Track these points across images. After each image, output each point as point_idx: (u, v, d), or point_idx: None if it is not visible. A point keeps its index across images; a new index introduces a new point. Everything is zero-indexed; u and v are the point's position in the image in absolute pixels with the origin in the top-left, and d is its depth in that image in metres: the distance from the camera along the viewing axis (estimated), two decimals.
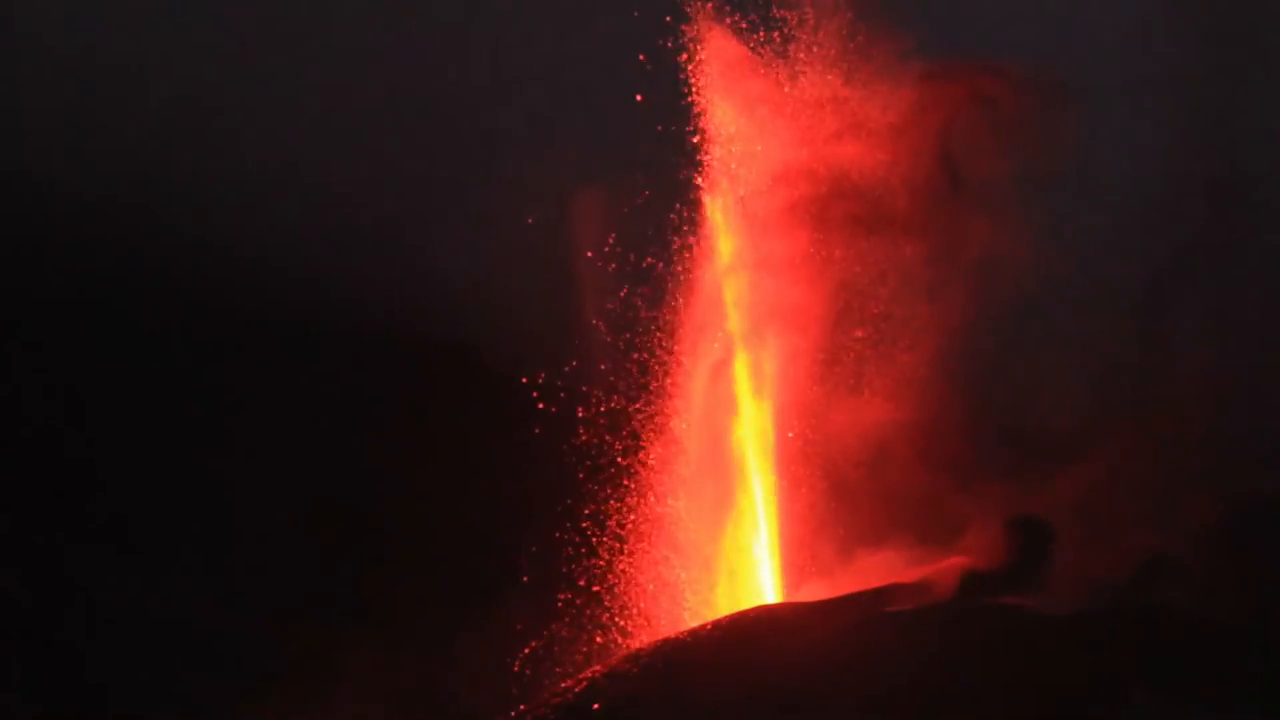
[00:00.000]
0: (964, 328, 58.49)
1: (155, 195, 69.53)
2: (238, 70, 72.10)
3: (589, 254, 58.87)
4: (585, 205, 59.03)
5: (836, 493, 58.01)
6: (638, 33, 58.19)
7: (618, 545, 58.48)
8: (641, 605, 58.13)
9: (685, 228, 58.63)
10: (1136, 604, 51.98)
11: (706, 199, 58.65)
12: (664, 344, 58.66)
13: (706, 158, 58.71)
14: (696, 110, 58.62)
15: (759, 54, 59.05)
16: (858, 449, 58.09)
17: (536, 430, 59.65)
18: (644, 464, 58.65)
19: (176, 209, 69.39)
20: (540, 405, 59.75)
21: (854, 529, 57.62)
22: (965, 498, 56.91)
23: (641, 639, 56.22)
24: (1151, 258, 62.65)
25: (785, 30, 59.21)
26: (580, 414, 59.15)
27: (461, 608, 59.57)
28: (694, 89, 58.66)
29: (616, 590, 58.31)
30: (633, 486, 58.61)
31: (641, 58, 58.31)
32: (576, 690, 50.73)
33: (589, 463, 58.88)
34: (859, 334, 58.99)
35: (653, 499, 58.44)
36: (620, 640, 57.45)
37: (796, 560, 57.61)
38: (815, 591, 55.13)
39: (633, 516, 58.52)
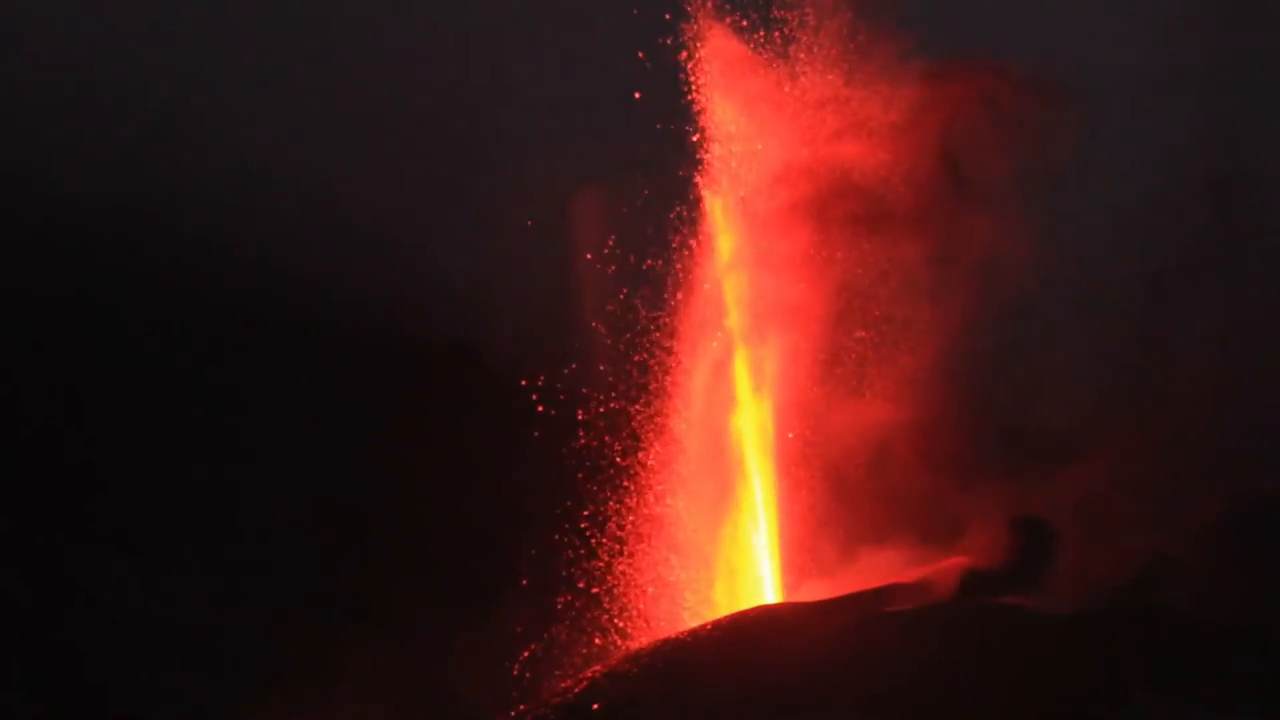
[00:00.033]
0: (966, 328, 58.49)
1: (155, 196, 69.53)
2: (238, 72, 72.12)
3: (588, 256, 58.87)
4: (584, 206, 59.00)
5: (837, 492, 57.96)
6: (637, 31, 58.19)
7: (617, 547, 58.44)
8: (641, 607, 58.10)
9: (685, 228, 58.63)
10: (1137, 604, 51.98)
11: (707, 198, 58.60)
12: (664, 344, 58.64)
13: (706, 156, 58.67)
14: (696, 109, 58.65)
15: (759, 53, 59.02)
16: (859, 449, 58.05)
17: (536, 434, 59.59)
18: (644, 465, 58.60)
19: (176, 210, 69.40)
20: (540, 408, 59.70)
21: (855, 529, 57.57)
22: (966, 497, 56.89)
23: (641, 640, 56.14)
24: (1153, 258, 62.64)
25: (786, 31, 59.21)
26: (580, 416, 59.11)
27: (461, 609, 59.56)
28: (694, 87, 58.63)
29: (616, 592, 58.27)
30: (632, 487, 58.56)
31: (640, 55, 58.33)
32: (576, 690, 50.72)
33: (588, 464, 58.85)
34: (860, 335, 58.96)
35: (652, 499, 58.41)
36: (620, 642, 57.41)
37: (797, 560, 57.56)
38: (815, 591, 55.10)
39: (632, 518, 58.49)
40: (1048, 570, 54.81)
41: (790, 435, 58.07)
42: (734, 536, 57.86)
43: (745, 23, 58.87)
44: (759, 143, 58.72)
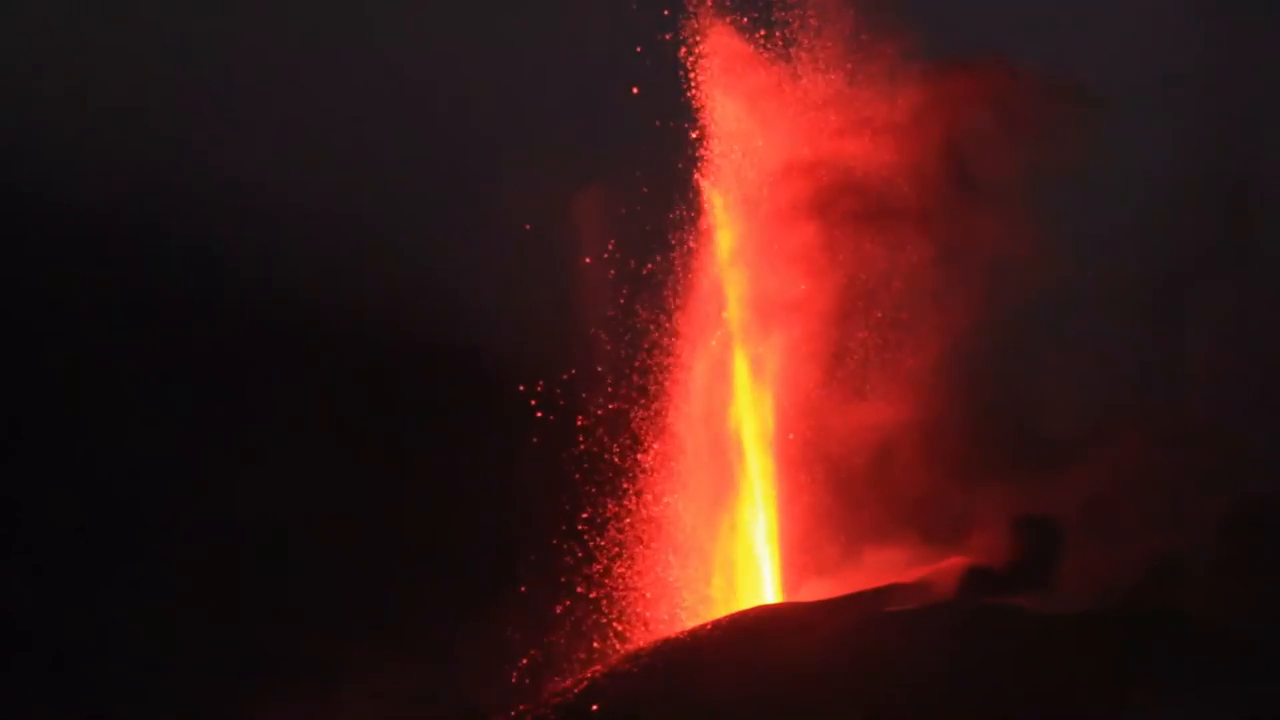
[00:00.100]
0: (973, 328, 58.33)
1: (155, 198, 69.53)
2: (239, 74, 72.14)
3: (588, 260, 58.79)
4: (584, 208, 58.88)
5: (839, 492, 57.83)
6: (637, 27, 58.09)
7: (616, 550, 58.34)
8: (640, 610, 57.98)
9: (685, 227, 58.50)
10: (1141, 605, 51.75)
11: (706, 190, 58.46)
12: (664, 344, 58.51)
13: (707, 154, 58.56)
14: (696, 106, 58.55)
15: (760, 51, 58.90)
16: (861, 449, 57.91)
17: (535, 439, 59.51)
18: (644, 466, 58.49)
19: (175, 214, 69.40)
20: (539, 414, 59.58)
21: (857, 529, 57.45)
22: (971, 497, 56.72)
23: (641, 642, 55.98)
24: (1162, 260, 62.39)
25: (787, 33, 59.09)
26: (580, 422, 59.04)
27: (462, 612, 59.43)
28: (694, 84, 58.53)
29: (615, 595, 58.16)
30: (631, 489, 58.46)
31: (639, 50, 58.23)
32: (576, 690, 50.68)
33: (586, 465, 58.77)
34: (864, 335, 58.82)
35: (651, 500, 58.29)
36: (619, 646, 57.29)
37: (797, 559, 57.43)
38: (816, 591, 54.96)
39: (630, 520, 58.37)
40: (1052, 570, 54.67)
41: (791, 436, 57.92)
42: (734, 536, 57.72)
43: (745, 20, 58.80)
44: (760, 140, 58.61)
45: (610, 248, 58.70)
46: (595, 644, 57.63)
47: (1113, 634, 48.80)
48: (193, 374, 65.16)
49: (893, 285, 58.88)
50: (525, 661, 57.44)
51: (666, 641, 52.01)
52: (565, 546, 58.61)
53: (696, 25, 58.47)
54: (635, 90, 58.09)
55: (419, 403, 65.07)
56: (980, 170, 58.94)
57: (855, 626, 50.30)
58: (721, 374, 58.25)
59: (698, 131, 58.41)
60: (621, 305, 58.50)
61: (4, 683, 56.45)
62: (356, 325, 66.95)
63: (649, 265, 58.42)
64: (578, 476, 58.71)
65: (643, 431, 58.54)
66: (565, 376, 59.41)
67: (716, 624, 52.12)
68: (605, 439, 58.73)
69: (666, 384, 58.47)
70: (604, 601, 58.13)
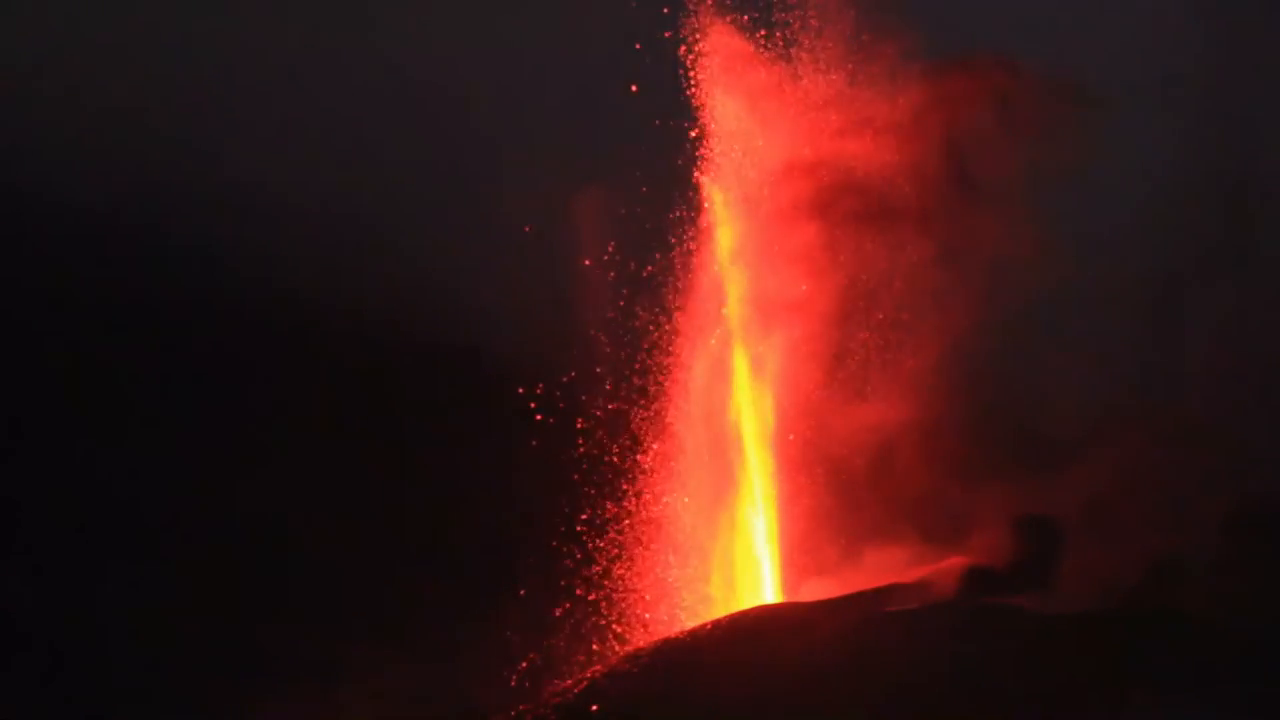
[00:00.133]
0: (974, 327, 58.30)
1: (158, 202, 69.53)
2: (239, 74, 72.13)
3: (587, 262, 58.76)
4: (583, 208, 58.83)
5: (840, 492, 57.80)
6: (636, 26, 58.08)
7: (615, 551, 58.31)
8: (640, 611, 57.95)
9: (684, 226, 58.45)
10: (1141, 605, 51.76)
11: (705, 186, 58.41)
12: (664, 344, 58.47)
13: (707, 153, 58.51)
14: (696, 104, 58.51)
15: (761, 49, 58.86)
16: (862, 449, 57.89)
17: (535, 443, 59.48)
18: (643, 467, 58.46)
19: (174, 215, 69.40)
20: (539, 416, 59.54)
21: (859, 529, 57.42)
22: (971, 497, 56.70)
23: (640, 644, 55.95)
24: (1164, 260, 62.37)
25: (788, 34, 59.04)
26: (580, 425, 59.01)
27: (461, 613, 59.41)
28: (694, 83, 58.48)
29: (614, 597, 58.13)
30: (631, 490, 58.43)
31: (638, 47, 58.18)
32: (576, 690, 50.66)
33: (585, 466, 58.74)
34: (865, 336, 58.79)
35: (650, 500, 58.25)
36: (618, 648, 57.26)
37: (798, 559, 57.40)
38: (816, 591, 54.94)
39: (630, 521, 58.35)
40: (1052, 570, 54.66)
41: (791, 437, 57.89)
42: (734, 535, 57.70)
43: (746, 19, 58.77)
44: (760, 139, 58.56)
45: (610, 249, 58.69)
46: (595, 646, 57.60)
47: (1113, 634, 48.78)
48: (193, 374, 65.15)
49: (894, 286, 58.86)
50: (525, 665, 57.42)
51: (666, 642, 51.99)
52: (565, 549, 58.60)
53: (696, 23, 58.45)
54: (634, 88, 58.14)
55: (419, 403, 65.02)
56: (981, 170, 58.93)
57: (855, 626, 50.28)
58: (721, 373, 58.21)
59: (697, 130, 58.37)
60: (621, 307, 58.48)
61: (4, 683, 56.43)
62: (356, 325, 66.92)
63: (649, 268, 58.41)
64: (576, 477, 58.69)
65: (642, 432, 58.51)
66: (565, 379, 59.38)
67: (716, 624, 52.09)
68: (605, 440, 58.70)
69: (666, 384, 58.43)
70: (603, 604, 58.10)
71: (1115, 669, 47.24)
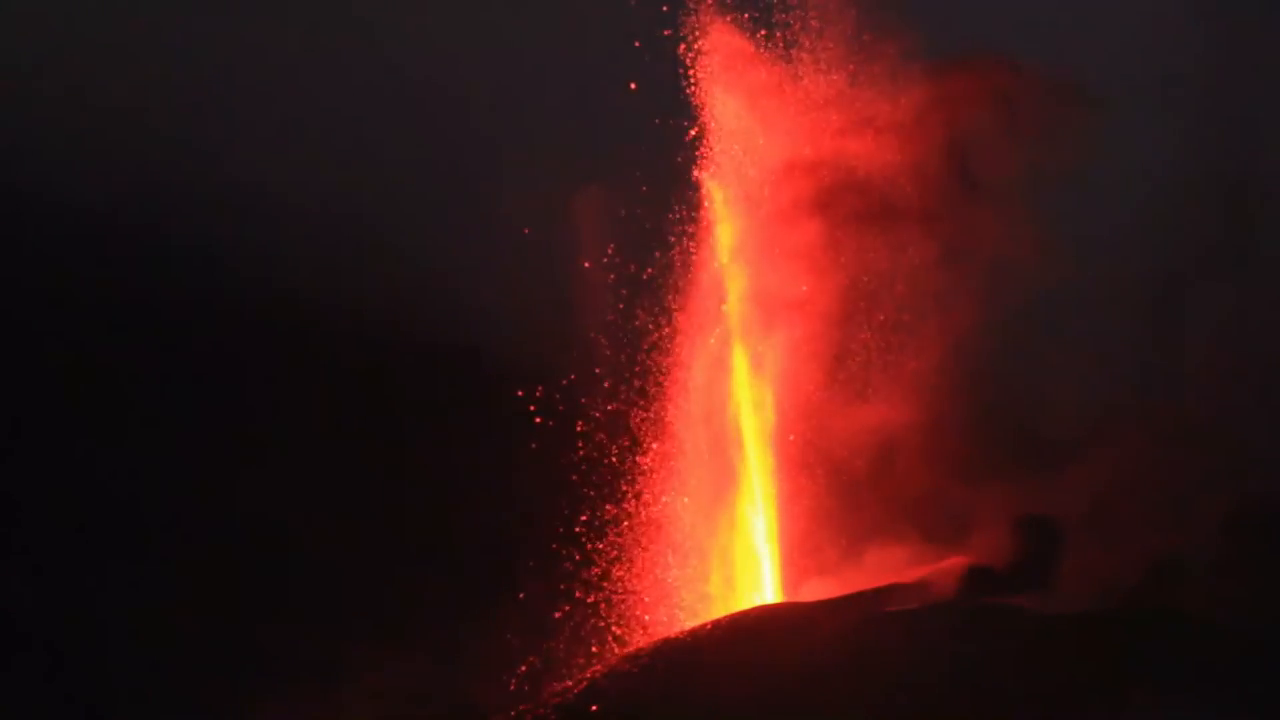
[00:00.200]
0: (975, 328, 58.29)
1: (158, 202, 69.56)
2: (239, 74, 72.18)
3: (587, 264, 58.72)
4: (583, 208, 58.80)
5: (842, 493, 57.77)
6: (636, 24, 58.08)
7: (615, 553, 58.29)
8: (639, 613, 57.93)
9: (684, 225, 58.43)
10: (1141, 605, 51.75)
11: (705, 182, 58.37)
12: (664, 343, 58.44)
13: (707, 152, 58.46)
14: (696, 103, 58.45)
15: (761, 48, 58.83)
16: (865, 450, 57.88)
17: (534, 445, 59.46)
18: (643, 468, 58.44)
19: (175, 215, 69.44)
20: (538, 420, 59.52)
21: (859, 529, 57.40)
22: (972, 497, 56.70)
23: (640, 644, 55.94)
24: (1164, 260, 62.36)
25: (789, 35, 59.02)
26: (580, 428, 59.00)
27: (461, 610, 59.40)
28: (694, 82, 58.44)
29: (614, 599, 58.11)
30: (630, 491, 58.41)
31: (637, 44, 58.13)
32: (576, 691, 50.67)
33: (584, 468, 58.72)
34: (866, 337, 58.77)
35: (650, 501, 58.22)
36: (618, 650, 57.22)
37: (799, 559, 57.38)
38: (816, 591, 54.92)
39: (629, 523, 58.32)
40: (1053, 570, 54.66)
41: (791, 437, 57.85)
42: (734, 534, 57.68)
43: (746, 17, 58.73)
44: (761, 138, 58.53)
45: (610, 251, 58.67)
46: (594, 649, 57.58)
47: (1113, 634, 48.76)
48: (193, 374, 65.16)
49: (895, 288, 58.85)
50: (524, 668, 57.38)
51: (666, 642, 51.99)
52: (564, 552, 58.57)
53: (696, 22, 58.41)
54: (633, 86, 58.09)
55: (419, 403, 65.02)
56: (982, 170, 58.92)
57: (855, 626, 50.28)
58: (721, 372, 58.19)
59: (697, 129, 58.33)
60: (621, 310, 58.46)
61: (4, 683, 56.42)
62: (356, 325, 66.92)
63: (649, 270, 58.39)
64: (575, 478, 58.67)
65: (642, 432, 58.48)
66: (564, 382, 59.36)
67: (716, 624, 52.10)
68: (604, 442, 58.68)
69: (666, 384, 58.39)
70: (603, 606, 58.08)
71: (1115, 669, 47.22)
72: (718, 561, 57.70)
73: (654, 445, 58.41)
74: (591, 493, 58.62)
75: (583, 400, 59.03)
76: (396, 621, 59.19)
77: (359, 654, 57.56)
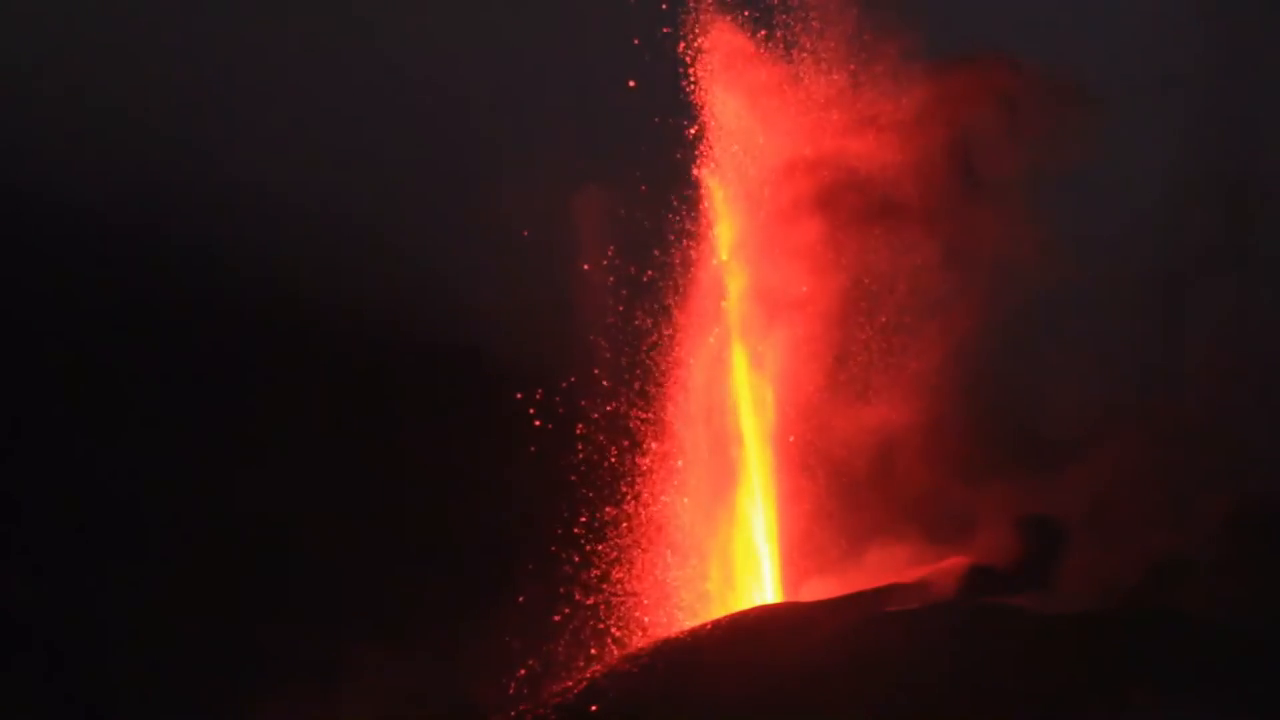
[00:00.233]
0: (976, 327, 58.27)
1: (158, 202, 69.56)
2: (239, 74, 72.19)
3: (586, 266, 58.69)
4: (583, 208, 58.74)
5: (842, 494, 57.74)
6: (635, 22, 58.05)
7: (614, 555, 58.26)
8: (639, 615, 57.91)
9: (686, 221, 58.38)
10: (1141, 605, 51.71)
11: (706, 188, 58.35)
12: (664, 343, 58.40)
13: (707, 151, 58.42)
14: (696, 102, 58.40)
15: (762, 47, 58.80)
16: (866, 450, 57.86)
17: (533, 448, 59.42)
18: (643, 470, 58.42)
19: (175, 215, 69.45)
20: (537, 422, 59.49)
21: (860, 529, 57.38)
22: (974, 497, 56.68)
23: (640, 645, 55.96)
24: (1164, 260, 62.34)
25: (789, 35, 58.99)
26: (579, 430, 58.98)
27: (461, 610, 59.38)
28: (694, 80, 58.40)
29: (614, 601, 58.09)
30: (630, 493, 58.38)
31: (636, 42, 58.09)
32: (576, 691, 50.66)
33: (583, 469, 58.69)
34: (866, 338, 58.75)
35: (649, 501, 58.18)
36: (617, 652, 57.19)
37: (799, 559, 57.35)
38: (816, 591, 54.90)
39: (628, 524, 58.29)
40: (1053, 570, 54.63)
41: (791, 438, 57.83)
42: (734, 533, 57.66)
43: (746, 15, 58.70)
44: (761, 138, 58.50)
45: (610, 253, 58.64)
46: (594, 651, 57.55)
47: (1113, 634, 48.73)
48: (193, 374, 65.14)
49: (897, 288, 58.83)
50: (523, 671, 57.36)
51: (666, 642, 51.99)
52: (563, 554, 58.55)
53: (696, 20, 58.38)
54: (633, 85, 58.03)
55: (419, 403, 65.00)
56: (983, 169, 58.90)
57: (855, 626, 50.26)
58: (721, 372, 58.16)
59: (696, 128, 58.30)
60: (620, 310, 58.41)
61: (4, 683, 56.41)
62: (356, 325, 66.91)
63: (649, 271, 58.38)
64: (574, 479, 58.65)
65: (641, 433, 58.45)
66: (564, 384, 59.34)
67: (716, 624, 52.10)
68: (604, 443, 58.64)
69: (665, 384, 58.35)
70: (602, 608, 58.05)
71: (1115, 669, 47.18)
72: (717, 561, 57.68)
73: (653, 446, 58.38)
74: (591, 494, 58.61)
75: (582, 402, 59.01)
76: (396, 621, 59.15)
77: (359, 654, 57.52)
